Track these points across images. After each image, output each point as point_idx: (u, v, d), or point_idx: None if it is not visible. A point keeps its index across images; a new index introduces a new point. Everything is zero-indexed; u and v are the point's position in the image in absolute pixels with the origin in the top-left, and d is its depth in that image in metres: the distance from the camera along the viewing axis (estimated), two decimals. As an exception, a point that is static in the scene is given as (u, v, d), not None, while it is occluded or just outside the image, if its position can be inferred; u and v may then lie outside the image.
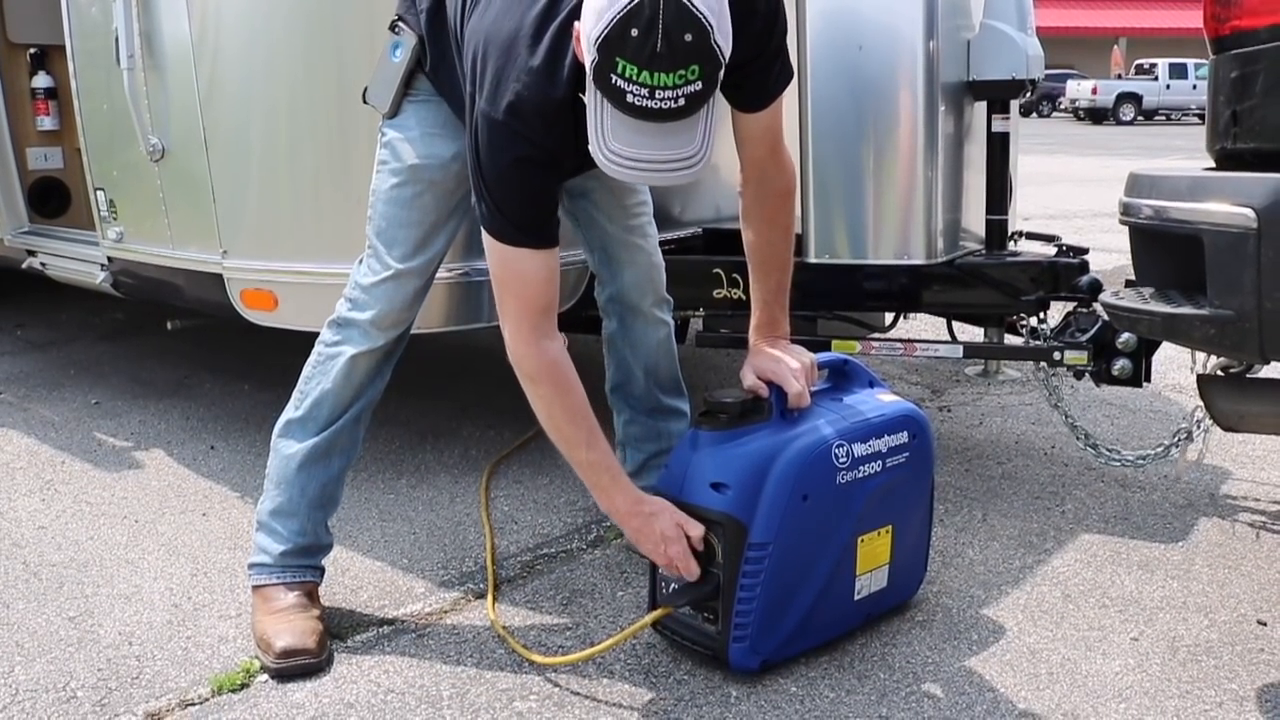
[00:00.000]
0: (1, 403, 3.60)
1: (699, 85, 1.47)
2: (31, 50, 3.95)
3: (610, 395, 2.38)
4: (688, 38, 1.43)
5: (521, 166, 1.70)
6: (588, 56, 1.50)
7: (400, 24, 1.99)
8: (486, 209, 1.76)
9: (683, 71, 1.45)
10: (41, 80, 3.96)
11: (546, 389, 1.82)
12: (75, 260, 3.41)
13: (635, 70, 1.45)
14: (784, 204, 1.93)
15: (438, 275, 2.11)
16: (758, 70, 1.79)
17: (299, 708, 1.81)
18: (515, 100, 1.67)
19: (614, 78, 1.48)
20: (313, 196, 2.60)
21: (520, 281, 1.78)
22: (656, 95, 1.46)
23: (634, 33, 1.44)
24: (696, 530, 1.81)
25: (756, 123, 1.85)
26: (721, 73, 1.50)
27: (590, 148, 1.57)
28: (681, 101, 1.47)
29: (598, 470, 1.85)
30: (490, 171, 1.73)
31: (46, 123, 3.97)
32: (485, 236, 1.78)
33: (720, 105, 1.60)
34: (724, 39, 1.48)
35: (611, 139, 1.53)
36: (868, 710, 1.78)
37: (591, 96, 1.53)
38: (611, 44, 1.46)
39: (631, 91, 1.47)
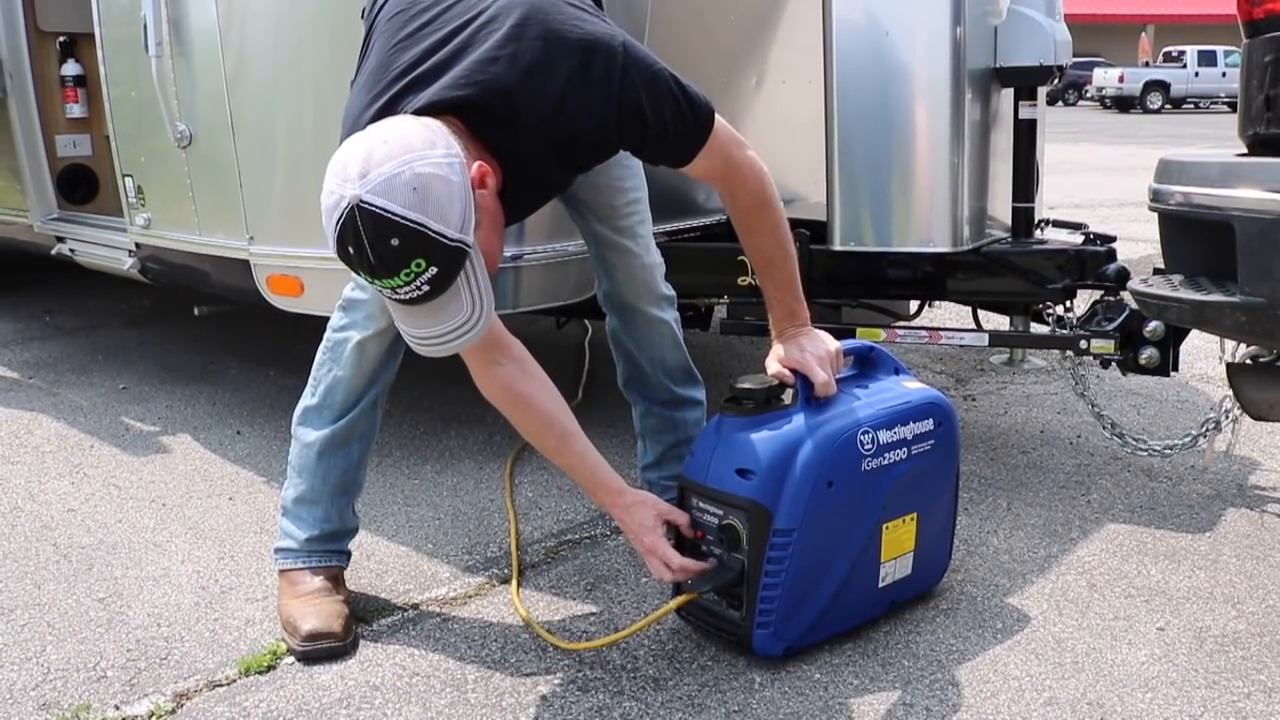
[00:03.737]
0: (31, 387, 3.63)
1: (434, 270, 1.49)
2: (61, 38, 3.98)
3: (624, 389, 2.38)
4: (394, 242, 1.46)
5: None
6: None
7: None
8: None
9: (406, 270, 1.48)
10: (70, 68, 3.98)
11: (507, 409, 1.92)
12: (103, 246, 3.43)
13: (369, 279, 1.51)
14: (760, 211, 1.88)
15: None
16: (655, 150, 1.78)
17: (325, 690, 1.83)
18: None
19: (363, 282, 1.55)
20: (338, 183, 2.60)
21: None
22: (399, 292, 1.51)
23: (350, 250, 1.49)
24: (682, 518, 1.88)
25: (693, 169, 1.82)
26: (460, 245, 1.50)
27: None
28: (425, 288, 1.50)
29: (575, 470, 1.95)
30: None
31: (75, 110, 3.99)
32: None
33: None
34: (441, 222, 1.47)
35: (398, 320, 1.60)
36: (892, 698, 1.78)
37: None
38: (343, 260, 1.52)
39: (382, 291, 1.53)
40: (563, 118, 1.66)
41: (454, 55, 1.65)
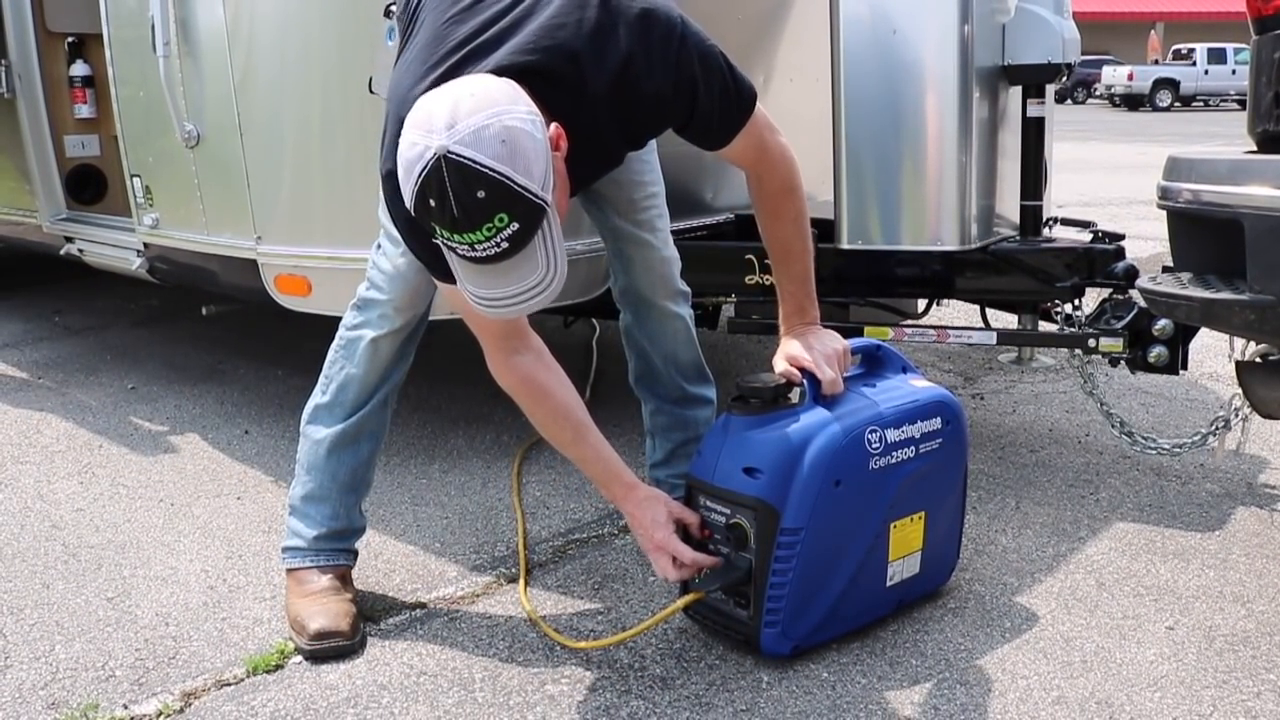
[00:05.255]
0: (40, 387, 3.64)
1: (515, 226, 1.46)
2: (69, 39, 3.99)
3: (635, 386, 2.38)
4: (480, 194, 1.43)
5: (414, 225, 1.70)
6: None
7: (393, 8, 2.00)
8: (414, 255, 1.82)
9: (489, 225, 1.45)
10: (79, 68, 3.99)
11: (524, 399, 1.90)
12: (111, 246, 3.44)
13: (448, 233, 1.47)
14: (787, 198, 1.90)
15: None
16: (700, 128, 1.78)
17: (333, 689, 1.83)
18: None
19: (437, 240, 1.51)
20: (346, 182, 2.61)
21: (471, 314, 1.81)
22: (477, 248, 1.47)
23: (432, 203, 1.45)
24: (693, 518, 1.87)
25: (730, 150, 1.83)
26: (541, 202, 1.48)
27: (460, 288, 1.59)
28: (504, 244, 1.47)
29: (589, 463, 1.93)
30: (397, 225, 1.77)
31: (84, 110, 4.00)
32: None
33: None
34: (527, 176, 1.46)
35: (467, 283, 1.55)
36: (899, 697, 1.78)
37: (439, 243, 1.55)
38: (420, 214, 1.49)
39: (454, 247, 1.49)
40: (624, 85, 1.66)
41: (515, 24, 1.64)
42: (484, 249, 1.47)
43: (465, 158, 1.42)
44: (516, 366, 1.86)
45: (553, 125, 1.54)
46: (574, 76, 1.64)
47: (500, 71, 1.59)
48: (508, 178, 1.44)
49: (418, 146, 1.45)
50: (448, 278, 1.71)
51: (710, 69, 1.72)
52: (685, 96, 1.71)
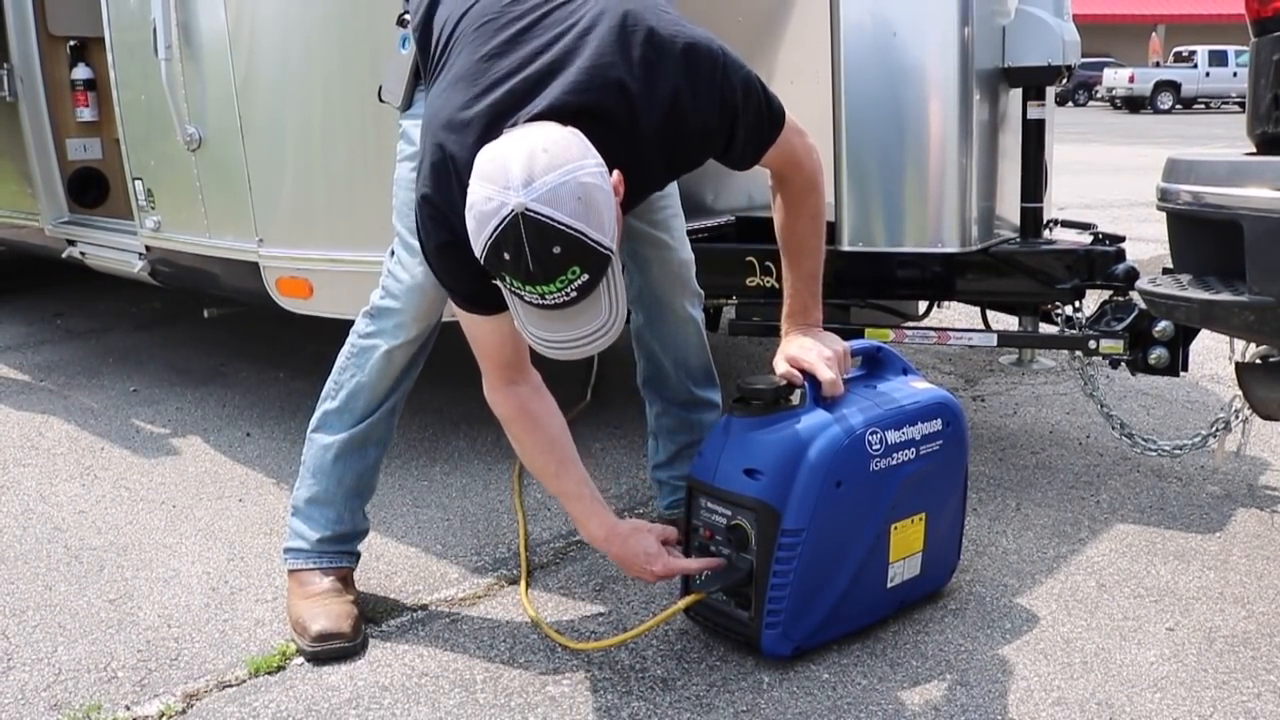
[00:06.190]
0: (42, 390, 3.65)
1: (586, 277, 1.49)
2: (71, 42, 3.99)
3: (642, 388, 2.39)
4: (556, 250, 1.45)
5: (447, 251, 1.72)
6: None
7: (406, 16, 2.00)
8: (435, 277, 1.82)
9: (562, 278, 1.47)
10: (81, 72, 3.99)
11: (516, 428, 1.91)
12: (113, 249, 3.45)
13: (520, 284, 1.49)
14: (808, 195, 1.92)
15: None
16: (738, 153, 1.80)
17: (334, 690, 1.83)
18: (437, 199, 1.69)
19: (506, 288, 1.53)
20: (347, 185, 2.62)
21: (481, 341, 1.84)
22: (547, 297, 1.50)
23: (506, 256, 1.47)
24: (672, 534, 1.91)
25: (764, 161, 1.85)
26: (611, 253, 1.50)
27: (518, 328, 1.61)
28: (574, 294, 1.49)
29: (569, 499, 1.93)
30: (427, 247, 1.77)
31: (85, 114, 4.01)
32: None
33: None
34: (600, 232, 1.48)
35: (530, 326, 1.57)
36: (900, 698, 1.78)
37: (503, 290, 1.56)
38: (491, 264, 1.51)
39: (524, 296, 1.51)
40: (672, 119, 1.68)
41: (562, 58, 1.66)
42: (554, 298, 1.50)
43: (545, 216, 1.44)
44: (514, 394, 1.88)
45: (615, 173, 1.56)
46: (626, 115, 1.66)
47: (557, 111, 1.60)
48: (583, 234, 1.46)
49: (493, 202, 1.46)
50: (472, 306, 1.76)
51: (750, 98, 1.74)
52: (727, 127, 1.73)
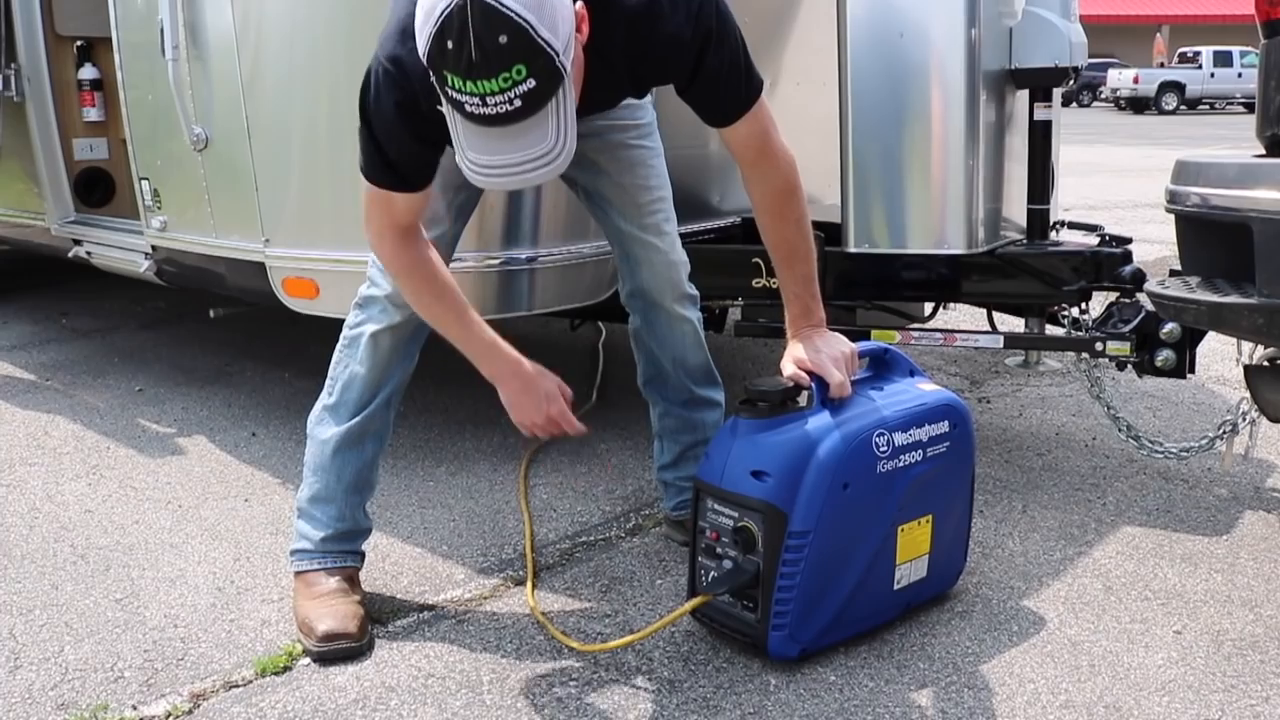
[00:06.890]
0: (48, 389, 3.65)
1: (531, 83, 1.44)
2: (78, 42, 4.00)
3: (644, 389, 2.39)
4: (502, 40, 1.41)
5: (397, 111, 1.70)
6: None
7: None
8: (364, 151, 1.81)
9: (506, 74, 1.43)
10: (88, 72, 4.00)
11: (413, 280, 1.89)
12: (120, 249, 3.45)
13: (461, 81, 1.45)
14: (788, 199, 1.92)
15: (477, 265, 2.12)
16: (702, 92, 1.80)
17: (340, 690, 1.83)
18: (401, 54, 1.68)
19: (449, 90, 1.48)
20: (354, 185, 2.59)
21: (388, 209, 1.83)
22: (488, 102, 1.45)
23: (449, 45, 1.43)
24: (569, 393, 1.91)
25: (734, 133, 1.85)
26: (561, 65, 1.46)
27: (457, 161, 1.57)
28: (518, 103, 1.45)
29: (472, 340, 1.90)
30: (372, 109, 1.75)
31: (92, 114, 4.01)
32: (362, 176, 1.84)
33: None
34: (551, 32, 1.44)
35: (468, 149, 1.53)
36: (907, 700, 1.78)
37: (445, 108, 1.53)
38: (434, 59, 1.47)
39: (466, 101, 1.46)
40: (647, 18, 1.68)
41: None
42: (495, 102, 1.44)
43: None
44: (411, 246, 1.87)
45: (578, 3, 1.54)
46: None
47: None
48: (532, 26, 1.42)
49: None
50: (394, 175, 1.76)
51: (726, 35, 1.75)
52: (695, 48, 1.74)
